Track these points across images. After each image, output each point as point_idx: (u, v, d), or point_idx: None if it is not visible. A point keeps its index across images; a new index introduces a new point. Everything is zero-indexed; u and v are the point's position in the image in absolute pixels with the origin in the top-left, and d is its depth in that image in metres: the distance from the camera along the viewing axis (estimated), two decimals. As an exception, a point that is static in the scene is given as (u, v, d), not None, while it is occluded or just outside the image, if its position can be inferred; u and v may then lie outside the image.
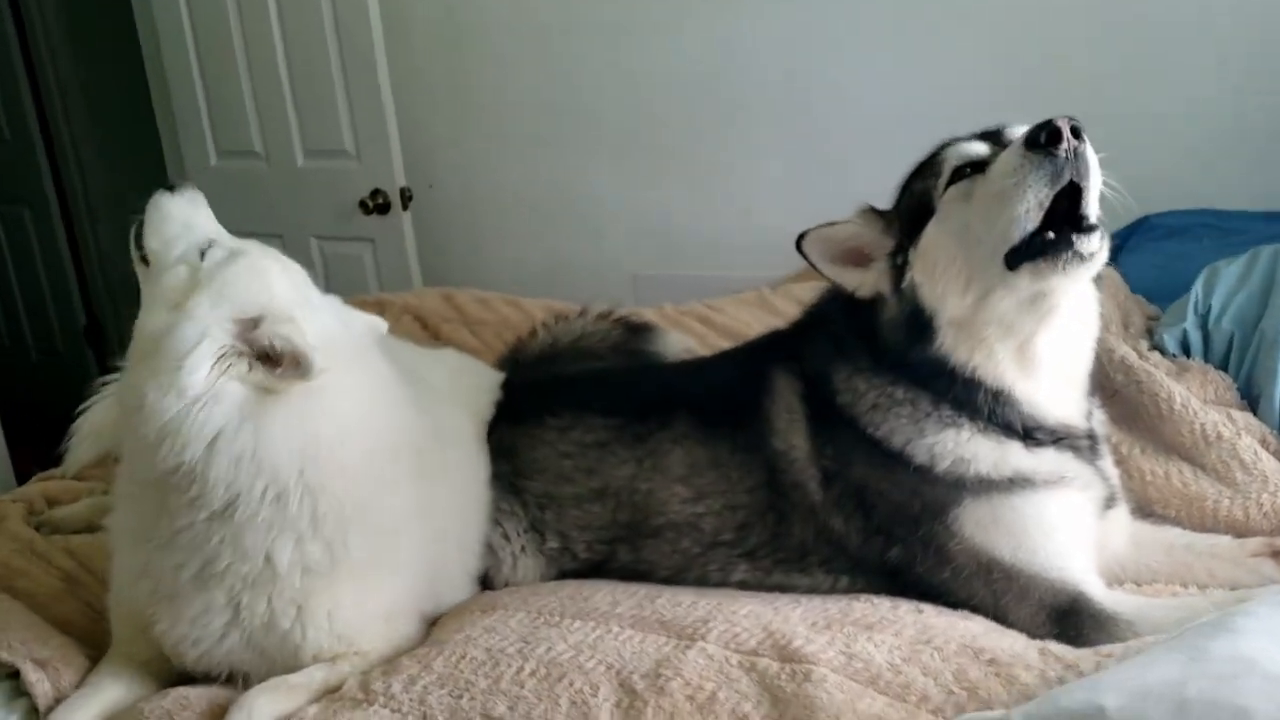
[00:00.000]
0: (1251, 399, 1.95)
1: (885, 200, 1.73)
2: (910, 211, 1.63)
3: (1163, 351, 2.12)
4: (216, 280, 1.53)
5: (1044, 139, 1.45)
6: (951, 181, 1.58)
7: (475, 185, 4.10)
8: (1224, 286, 2.10)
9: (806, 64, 3.50)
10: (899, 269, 1.62)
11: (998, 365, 1.60)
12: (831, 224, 1.69)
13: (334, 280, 4.03)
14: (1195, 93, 3.02)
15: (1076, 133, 1.45)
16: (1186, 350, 2.11)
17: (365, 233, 3.92)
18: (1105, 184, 1.52)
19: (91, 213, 5.62)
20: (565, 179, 3.97)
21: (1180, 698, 1.05)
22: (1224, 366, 2.04)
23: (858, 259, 1.68)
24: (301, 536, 1.56)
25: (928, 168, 1.64)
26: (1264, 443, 1.83)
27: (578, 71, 3.82)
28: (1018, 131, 1.58)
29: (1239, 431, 1.83)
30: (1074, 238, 1.48)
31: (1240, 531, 1.76)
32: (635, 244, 3.91)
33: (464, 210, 4.14)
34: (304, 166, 3.97)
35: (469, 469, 1.92)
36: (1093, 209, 1.49)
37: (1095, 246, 1.49)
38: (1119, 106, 3.06)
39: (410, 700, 1.48)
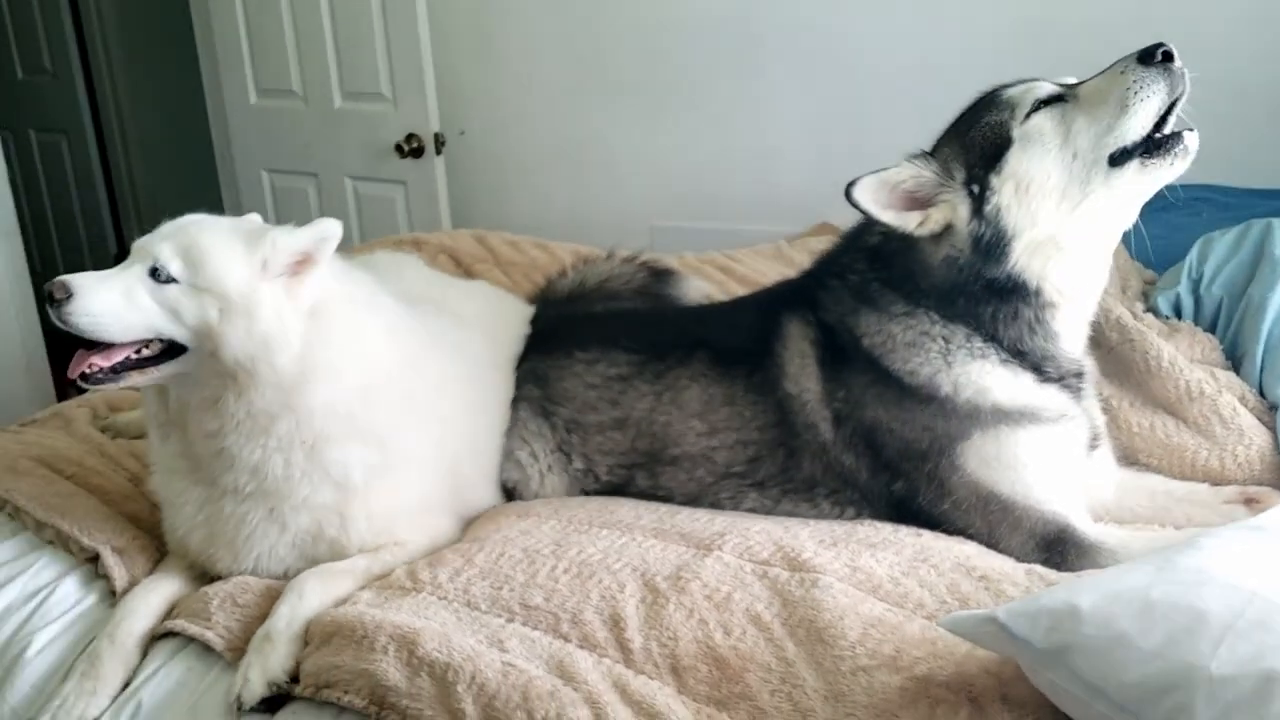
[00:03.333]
0: (1236, 359, 2.07)
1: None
2: (984, 144, 1.71)
3: (1156, 313, 2.23)
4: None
5: (1160, 56, 1.66)
6: (1032, 112, 1.70)
7: (504, 133, 4.21)
8: (1216, 255, 2.21)
9: (828, 14, 3.58)
10: (976, 198, 1.71)
11: (1061, 277, 1.73)
12: (882, 169, 1.74)
13: (366, 220, 4.16)
14: (1203, 74, 3.11)
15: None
16: (1179, 313, 2.22)
17: (398, 175, 4.03)
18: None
19: (126, 144, 5.74)
20: (589, 130, 4.08)
21: (1146, 599, 1.19)
22: (1212, 329, 2.15)
23: (910, 202, 1.74)
24: (366, 442, 1.72)
25: (992, 106, 1.73)
26: (1243, 400, 1.95)
27: (605, 21, 3.91)
28: (1062, 79, 1.77)
29: (1220, 389, 1.95)
30: (1185, 135, 1.69)
31: (1216, 480, 1.88)
32: (654, 195, 4.02)
33: (492, 157, 4.25)
34: (341, 108, 4.07)
35: (487, 385, 2.08)
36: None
37: (1197, 143, 1.70)
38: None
39: (455, 589, 1.63)
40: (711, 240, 3.42)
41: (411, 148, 3.94)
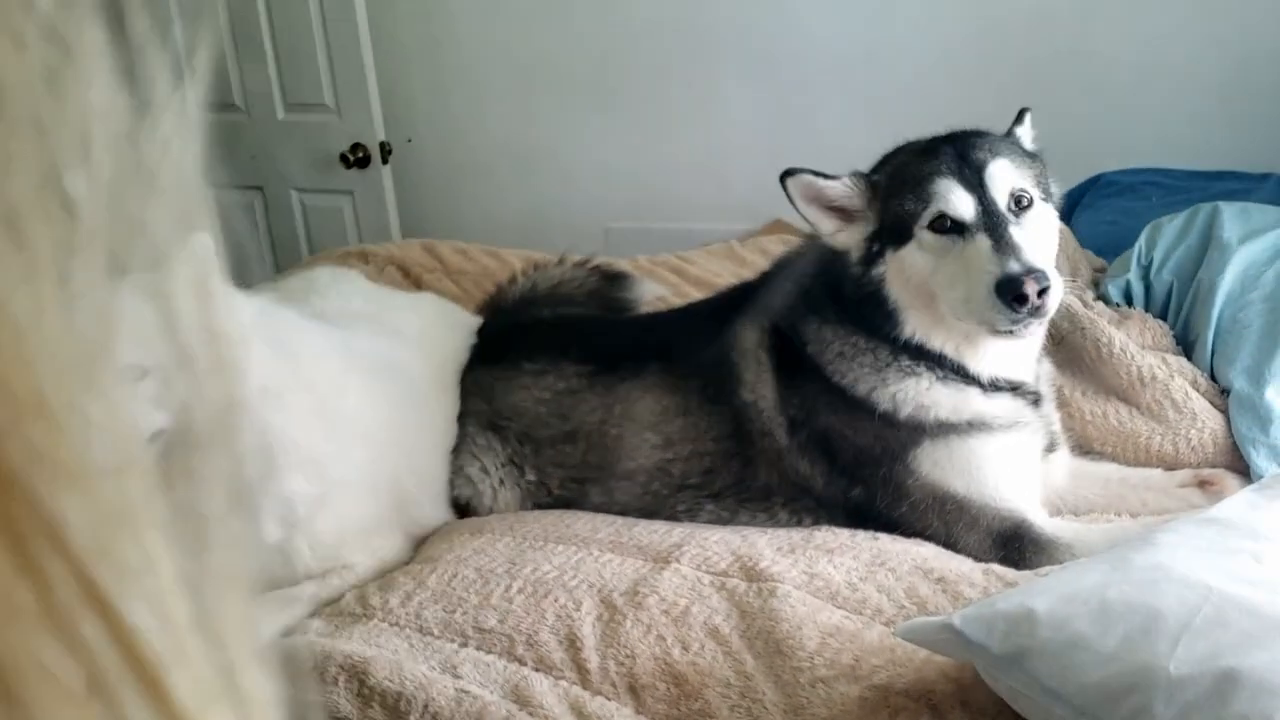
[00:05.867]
0: (1187, 344, 2.07)
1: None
2: (894, 220, 1.70)
3: (1107, 301, 2.23)
4: None
5: (1011, 299, 1.56)
6: (932, 224, 1.66)
7: (453, 140, 4.16)
8: (1165, 240, 2.21)
9: (777, 13, 3.56)
10: (872, 254, 1.72)
11: (959, 347, 1.73)
12: (820, 174, 1.74)
13: (314, 233, 4.11)
14: (1149, 60, 3.14)
15: (1042, 293, 1.56)
16: (1129, 300, 2.22)
17: (345, 186, 3.97)
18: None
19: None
20: (539, 134, 4.03)
21: (1102, 599, 1.18)
22: (1163, 315, 2.15)
23: (836, 210, 1.75)
24: (306, 471, 1.69)
25: (915, 188, 1.68)
26: (1195, 384, 1.95)
27: (553, 24, 3.87)
28: (998, 186, 1.66)
29: (1172, 374, 1.95)
30: (1016, 328, 1.61)
31: (1170, 465, 1.89)
32: (607, 197, 3.98)
33: (441, 164, 4.20)
34: (284, 120, 4.01)
35: (427, 402, 2.04)
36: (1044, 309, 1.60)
37: (1034, 333, 1.68)
38: (1081, 69, 3.19)
39: (407, 614, 1.60)
40: (666, 240, 3.40)
41: (357, 158, 3.89)
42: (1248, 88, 3.05)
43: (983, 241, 1.63)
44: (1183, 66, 3.10)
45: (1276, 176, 2.79)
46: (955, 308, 1.65)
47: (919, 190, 1.68)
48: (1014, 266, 1.57)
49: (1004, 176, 1.68)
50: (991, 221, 1.64)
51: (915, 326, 1.72)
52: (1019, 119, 1.86)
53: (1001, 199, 1.66)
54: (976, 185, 1.66)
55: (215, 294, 1.16)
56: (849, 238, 1.74)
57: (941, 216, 1.65)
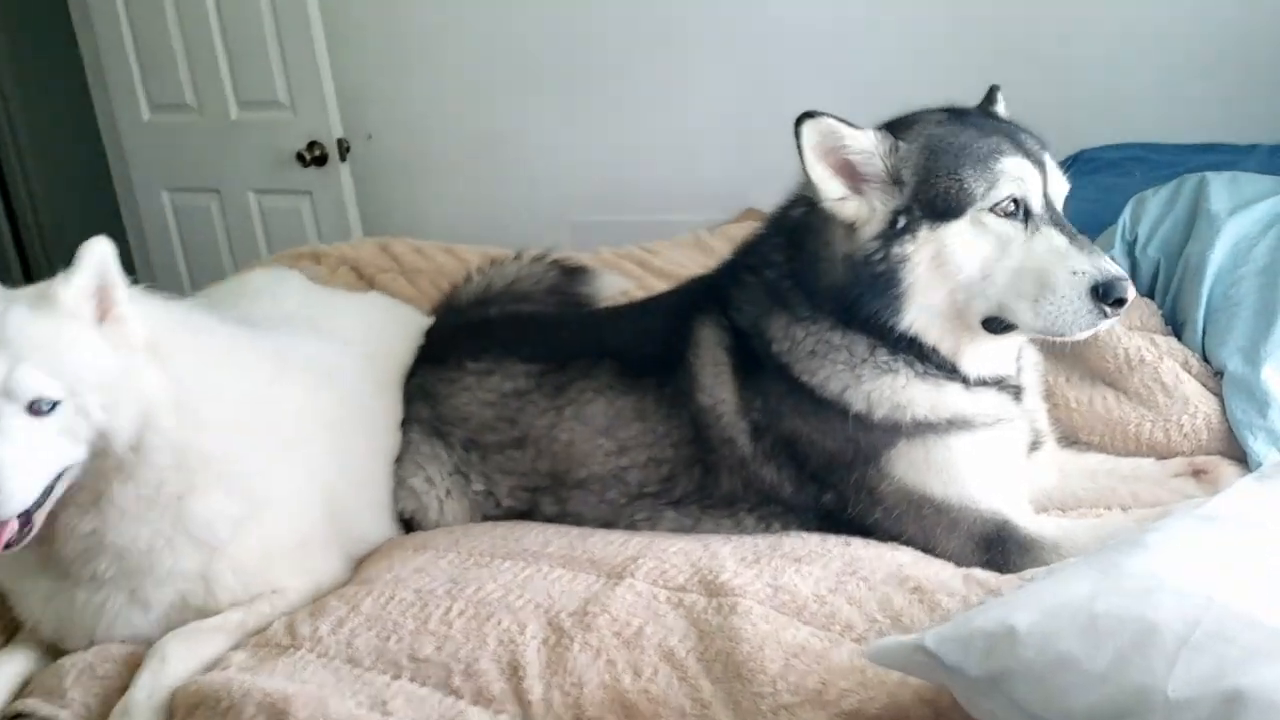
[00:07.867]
0: (1176, 324, 1.98)
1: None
2: (938, 195, 1.53)
3: (1091, 280, 2.13)
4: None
5: (1110, 303, 1.48)
6: (996, 207, 1.52)
7: (414, 136, 4.07)
8: (1150, 215, 2.12)
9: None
10: (896, 230, 1.56)
11: (958, 344, 1.61)
12: (845, 121, 1.56)
13: (273, 234, 4.02)
14: (1128, 32, 3.05)
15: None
16: (1114, 279, 2.12)
17: (303, 185, 3.89)
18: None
19: (25, 172, 5.54)
20: (503, 128, 3.95)
21: (1090, 613, 1.07)
22: (1150, 293, 2.06)
23: (846, 173, 1.58)
24: (229, 489, 1.57)
25: (977, 164, 1.54)
26: (1186, 366, 1.86)
27: (513, 16, 3.79)
28: (1057, 178, 1.58)
29: (1161, 355, 1.86)
30: (1089, 333, 1.53)
31: (1162, 453, 1.79)
32: (573, 191, 3.90)
33: (403, 161, 4.11)
34: (238, 119, 3.92)
35: (366, 410, 1.93)
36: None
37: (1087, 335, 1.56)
38: (1058, 43, 3.11)
39: (337, 643, 1.49)
40: (634, 234, 3.30)
41: (314, 156, 3.81)
42: (1230, 58, 2.96)
43: (1056, 236, 1.53)
44: (1163, 38, 3.02)
45: (1264, 147, 2.70)
46: (1009, 303, 1.53)
47: (983, 167, 1.53)
48: (1110, 269, 1.50)
49: (1056, 170, 1.60)
50: (1055, 215, 1.56)
51: (917, 315, 1.57)
52: (990, 97, 1.74)
53: (1058, 194, 1.58)
54: (1042, 173, 1.57)
55: (119, 304, 1.01)
56: (862, 208, 1.57)
57: (1011, 199, 1.52)
